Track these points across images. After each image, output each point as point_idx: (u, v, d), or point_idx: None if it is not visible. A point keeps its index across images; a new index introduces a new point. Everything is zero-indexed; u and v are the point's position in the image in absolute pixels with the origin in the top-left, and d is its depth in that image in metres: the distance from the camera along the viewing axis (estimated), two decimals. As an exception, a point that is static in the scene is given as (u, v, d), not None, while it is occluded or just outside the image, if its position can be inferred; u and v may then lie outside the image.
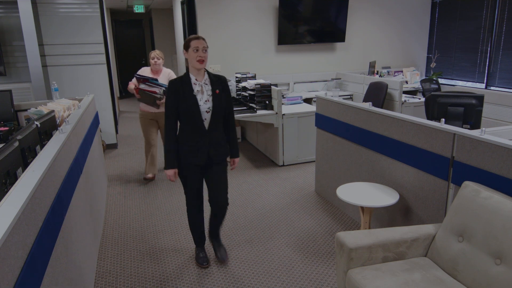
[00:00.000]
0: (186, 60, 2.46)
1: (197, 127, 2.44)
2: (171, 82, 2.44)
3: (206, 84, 2.47)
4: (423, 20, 7.11)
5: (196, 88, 2.43)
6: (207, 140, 2.47)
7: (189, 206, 2.70)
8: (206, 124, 2.45)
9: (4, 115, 3.70)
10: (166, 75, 4.24)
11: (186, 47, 2.41)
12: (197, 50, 2.37)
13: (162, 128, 4.28)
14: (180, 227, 3.35)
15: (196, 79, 2.45)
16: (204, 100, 2.44)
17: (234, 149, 2.66)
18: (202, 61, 2.39)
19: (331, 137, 3.62)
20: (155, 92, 4.04)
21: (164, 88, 4.05)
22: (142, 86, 4.07)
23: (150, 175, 4.49)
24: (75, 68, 5.30)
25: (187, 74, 2.46)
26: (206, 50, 2.40)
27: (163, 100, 4.00)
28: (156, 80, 4.11)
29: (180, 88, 2.41)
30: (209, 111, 2.44)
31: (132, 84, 4.19)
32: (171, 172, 2.48)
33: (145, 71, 4.22)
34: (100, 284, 2.60)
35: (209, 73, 2.52)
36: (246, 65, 6.15)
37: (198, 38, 2.39)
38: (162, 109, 4.14)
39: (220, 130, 2.55)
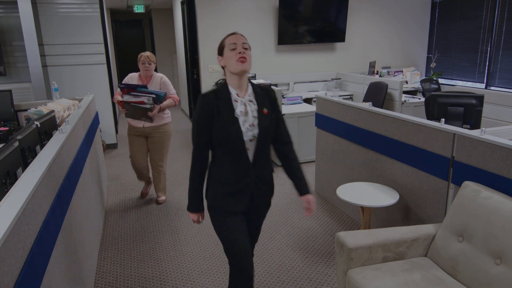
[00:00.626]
0: (224, 71, 1.82)
1: (239, 160, 1.75)
2: (204, 96, 1.74)
3: (251, 101, 1.77)
4: (423, 20, 7.11)
5: (238, 107, 1.74)
6: (252, 177, 1.78)
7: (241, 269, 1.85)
8: (250, 155, 1.76)
9: (4, 115, 3.70)
10: (157, 81, 3.50)
11: (221, 49, 1.79)
12: (234, 48, 1.71)
13: (156, 150, 3.60)
14: (180, 227, 3.35)
15: (237, 94, 1.76)
16: (249, 124, 1.73)
17: (303, 182, 1.90)
18: (244, 58, 1.70)
19: (331, 137, 3.62)
20: (142, 103, 3.26)
21: (154, 95, 3.29)
22: (126, 97, 3.30)
23: (162, 198, 3.81)
24: (75, 68, 5.30)
25: (224, 86, 1.77)
26: (247, 48, 1.74)
27: (155, 111, 3.33)
28: (144, 87, 3.35)
29: (215, 106, 1.72)
30: (253, 139, 1.74)
31: (119, 95, 3.42)
32: (195, 216, 1.87)
33: (133, 78, 3.51)
34: (100, 284, 2.60)
35: (253, 85, 1.83)
36: (246, 65, 6.15)
37: (234, 33, 1.77)
38: (156, 123, 3.48)
39: (267, 162, 1.87)
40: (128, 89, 3.33)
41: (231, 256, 1.83)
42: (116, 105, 5.80)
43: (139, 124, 3.48)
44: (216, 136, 1.73)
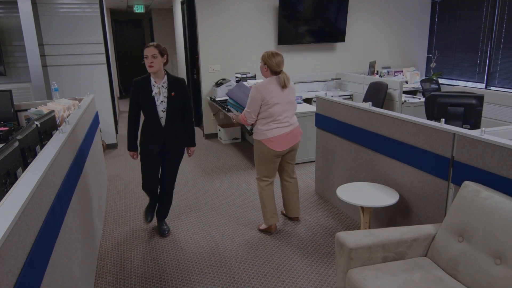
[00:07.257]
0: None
1: (155, 122, 2.86)
2: (134, 81, 2.86)
3: (164, 86, 2.84)
4: (423, 20, 7.11)
5: (154, 90, 2.83)
6: (162, 133, 2.88)
7: (144, 183, 3.09)
8: (163, 120, 2.87)
9: (4, 115, 3.70)
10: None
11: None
12: (146, 57, 2.73)
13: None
14: (180, 227, 3.35)
15: (155, 81, 2.83)
16: (161, 101, 2.84)
17: (191, 139, 3.08)
18: (151, 66, 2.73)
19: (331, 137, 3.62)
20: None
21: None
22: None
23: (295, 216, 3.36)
24: (75, 68, 5.30)
25: (148, 77, 2.85)
26: (156, 56, 2.73)
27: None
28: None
29: (141, 88, 2.83)
30: (164, 111, 2.85)
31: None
32: (132, 153, 3.04)
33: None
34: (100, 284, 2.60)
35: (169, 76, 2.86)
36: (246, 65, 6.15)
37: (147, 46, 2.75)
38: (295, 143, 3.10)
39: (177, 125, 2.93)
40: None
41: (142, 178, 3.08)
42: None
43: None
44: (142, 107, 2.87)
